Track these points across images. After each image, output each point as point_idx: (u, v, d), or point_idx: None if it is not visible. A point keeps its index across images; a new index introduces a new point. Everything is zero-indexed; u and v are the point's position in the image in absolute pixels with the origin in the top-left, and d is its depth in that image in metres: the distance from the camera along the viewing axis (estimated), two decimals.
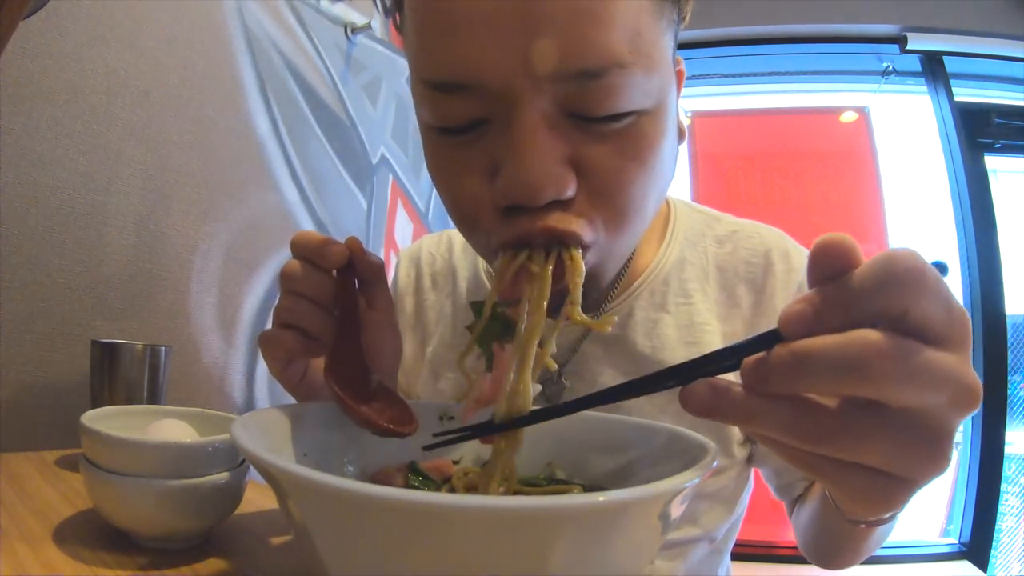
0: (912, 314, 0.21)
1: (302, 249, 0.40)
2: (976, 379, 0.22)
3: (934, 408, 0.22)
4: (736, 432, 0.52)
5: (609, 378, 0.51)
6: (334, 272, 0.41)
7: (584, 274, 0.34)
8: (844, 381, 0.21)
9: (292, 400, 0.45)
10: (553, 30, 0.31)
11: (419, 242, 0.71)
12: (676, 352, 0.51)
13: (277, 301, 0.42)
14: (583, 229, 0.35)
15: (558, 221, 0.34)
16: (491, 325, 0.35)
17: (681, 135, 0.45)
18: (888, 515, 0.35)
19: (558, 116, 0.34)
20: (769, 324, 0.53)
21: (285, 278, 0.40)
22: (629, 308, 0.53)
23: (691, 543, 0.52)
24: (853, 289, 0.21)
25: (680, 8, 0.39)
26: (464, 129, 0.36)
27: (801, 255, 0.55)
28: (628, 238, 0.40)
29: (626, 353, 0.52)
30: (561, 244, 0.35)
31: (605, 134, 0.35)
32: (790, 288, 0.53)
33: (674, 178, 0.44)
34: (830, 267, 0.22)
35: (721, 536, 0.55)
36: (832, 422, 0.22)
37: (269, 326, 0.42)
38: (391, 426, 0.36)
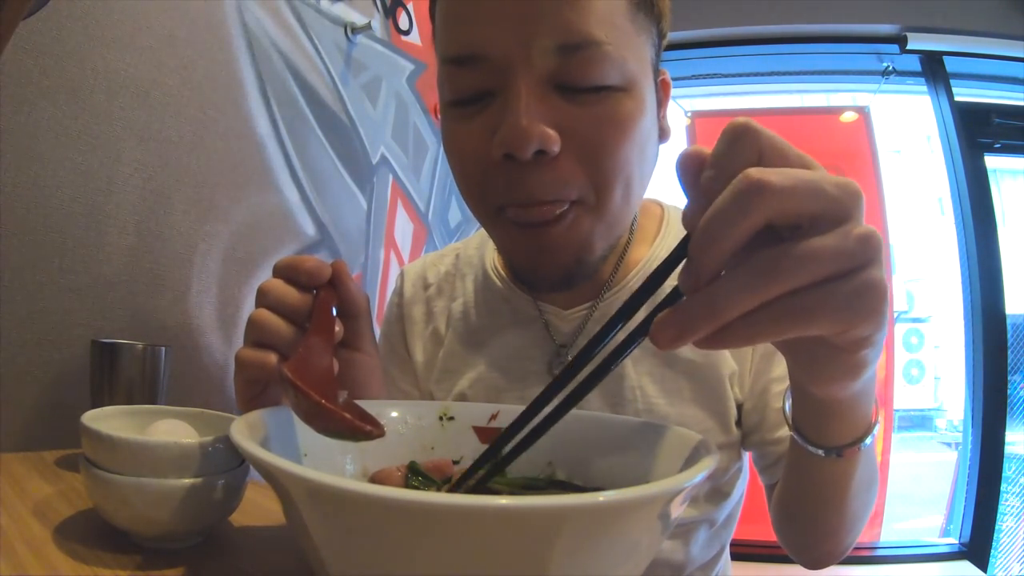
0: (764, 158, 0.24)
1: (281, 267, 0.40)
2: (868, 230, 0.23)
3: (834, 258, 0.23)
4: (734, 410, 0.54)
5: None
6: (314, 294, 0.40)
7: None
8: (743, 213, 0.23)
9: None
10: (542, 15, 0.40)
11: (421, 258, 0.74)
12: None
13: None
14: (566, 189, 0.43)
15: (543, 187, 0.42)
16: None
17: (665, 135, 0.52)
18: (848, 388, 0.30)
19: (547, 87, 0.42)
20: None
21: (259, 293, 0.39)
22: (628, 294, 0.56)
23: (690, 524, 0.54)
24: (716, 166, 0.25)
25: (658, 25, 0.47)
26: (473, 100, 0.44)
27: None
28: (614, 203, 0.45)
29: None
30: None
31: (586, 103, 0.42)
32: None
33: (657, 166, 0.51)
34: (692, 171, 0.26)
35: (721, 521, 0.57)
36: (774, 262, 0.23)
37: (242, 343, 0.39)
38: (360, 422, 0.31)
